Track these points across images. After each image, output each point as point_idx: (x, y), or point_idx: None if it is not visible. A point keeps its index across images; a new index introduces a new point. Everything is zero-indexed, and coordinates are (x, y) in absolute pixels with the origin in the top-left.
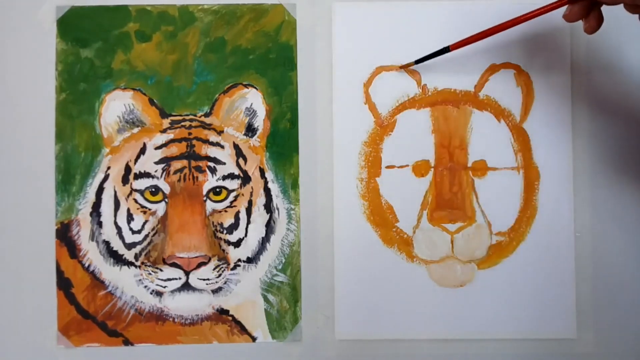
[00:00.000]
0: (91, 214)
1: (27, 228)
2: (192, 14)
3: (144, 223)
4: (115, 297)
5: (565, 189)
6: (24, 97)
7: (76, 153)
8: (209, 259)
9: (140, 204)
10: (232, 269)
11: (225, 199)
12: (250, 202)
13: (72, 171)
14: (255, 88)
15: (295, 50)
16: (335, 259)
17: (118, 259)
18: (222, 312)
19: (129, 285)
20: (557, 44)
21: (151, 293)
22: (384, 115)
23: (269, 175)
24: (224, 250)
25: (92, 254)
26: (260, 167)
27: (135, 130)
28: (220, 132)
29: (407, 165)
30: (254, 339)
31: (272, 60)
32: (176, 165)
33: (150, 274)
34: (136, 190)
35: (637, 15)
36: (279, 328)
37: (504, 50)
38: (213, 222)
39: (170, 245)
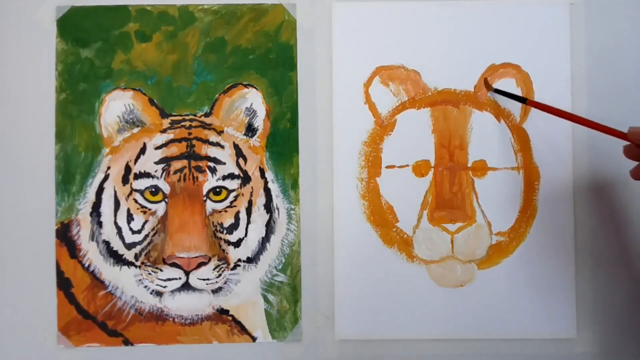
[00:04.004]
0: (91, 214)
1: (27, 228)
2: (192, 14)
3: (144, 223)
4: (115, 297)
5: (565, 189)
6: (24, 97)
7: (76, 153)
8: (209, 259)
9: (140, 204)
10: (232, 269)
11: (225, 199)
12: (250, 202)
13: (72, 171)
14: (255, 88)
15: (295, 50)
16: (335, 259)
17: (118, 259)
18: (222, 312)
19: (129, 285)
20: (557, 44)
21: (151, 293)
22: (384, 115)
23: (269, 175)
24: (224, 250)
25: (92, 254)
26: (260, 167)
27: (135, 130)
28: (220, 132)
29: (407, 165)
30: (254, 339)
31: (272, 60)
32: (176, 165)
33: (150, 274)
34: (136, 190)
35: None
36: (279, 328)
37: (504, 50)
38: (213, 222)
39: (170, 245)
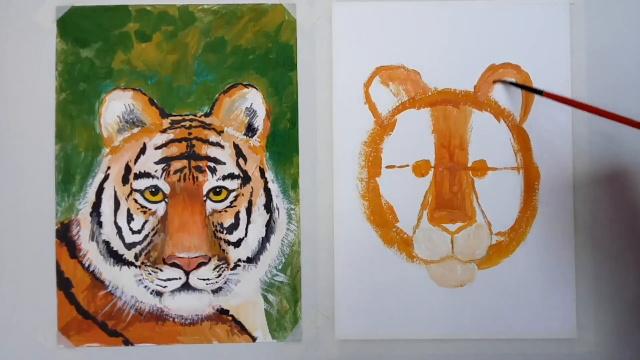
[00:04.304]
0: (91, 214)
1: (27, 228)
2: (192, 14)
3: (144, 223)
4: (115, 297)
5: (565, 189)
6: (24, 97)
7: (76, 153)
8: (209, 259)
9: (140, 204)
10: (232, 269)
11: (225, 199)
12: (250, 202)
13: (72, 171)
14: (255, 88)
15: (295, 50)
16: (335, 259)
17: (118, 259)
18: (222, 312)
19: (129, 285)
20: (557, 44)
21: (151, 293)
22: (384, 115)
23: (269, 175)
24: (224, 250)
25: (92, 254)
26: (260, 167)
27: (135, 130)
28: (220, 132)
29: (407, 165)
30: (254, 339)
31: (272, 60)
32: (176, 165)
33: (150, 274)
34: (136, 190)
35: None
36: (279, 328)
37: (504, 50)
38: (213, 222)
39: (170, 245)
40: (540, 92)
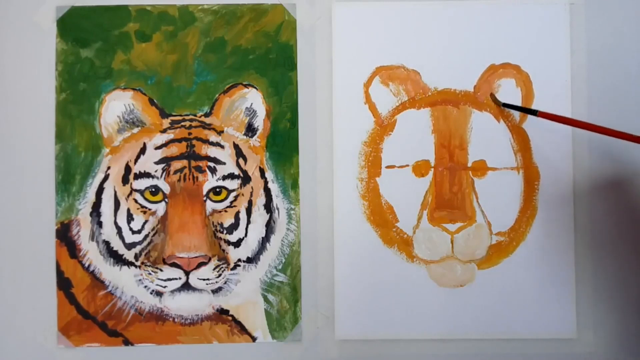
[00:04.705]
0: (91, 214)
1: (27, 228)
2: (192, 14)
3: (144, 223)
4: (115, 297)
5: (565, 189)
6: (24, 97)
7: (76, 153)
8: (209, 259)
9: (140, 204)
10: (232, 269)
11: (225, 199)
12: (250, 202)
13: (72, 171)
14: (255, 88)
15: (295, 50)
16: (335, 259)
17: (118, 259)
18: (222, 312)
19: (129, 285)
20: (557, 44)
21: (151, 293)
22: (384, 115)
23: (269, 175)
24: (224, 250)
25: (92, 254)
26: (260, 167)
27: (135, 130)
28: (220, 132)
29: (407, 165)
30: (254, 339)
31: (272, 60)
32: (176, 165)
33: (150, 274)
34: (136, 190)
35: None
36: (279, 328)
37: (503, 50)
38: (213, 222)
39: (170, 245)
40: (534, 113)
